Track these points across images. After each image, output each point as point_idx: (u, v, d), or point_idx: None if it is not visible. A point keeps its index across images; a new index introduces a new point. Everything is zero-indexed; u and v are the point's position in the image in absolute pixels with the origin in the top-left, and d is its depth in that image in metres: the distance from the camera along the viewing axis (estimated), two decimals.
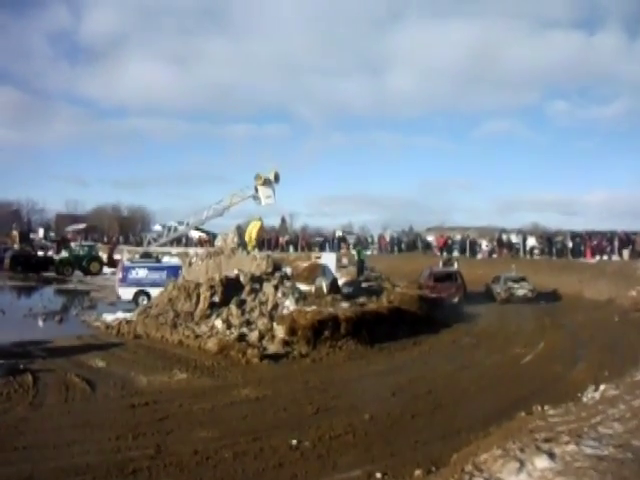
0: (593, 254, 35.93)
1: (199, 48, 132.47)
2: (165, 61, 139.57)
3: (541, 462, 5.63)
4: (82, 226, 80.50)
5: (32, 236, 61.22)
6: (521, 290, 27.34)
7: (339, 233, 54.17)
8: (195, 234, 54.31)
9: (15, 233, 53.97)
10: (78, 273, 37.83)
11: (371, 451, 8.42)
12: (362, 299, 20.27)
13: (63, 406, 10.61)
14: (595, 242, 37.44)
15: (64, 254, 40.64)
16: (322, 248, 45.78)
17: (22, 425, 9.39)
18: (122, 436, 8.88)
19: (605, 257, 35.06)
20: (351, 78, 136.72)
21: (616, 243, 35.57)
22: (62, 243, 49.65)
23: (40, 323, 19.28)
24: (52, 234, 70.98)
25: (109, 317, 19.69)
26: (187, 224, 44.89)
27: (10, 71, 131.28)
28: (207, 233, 53.01)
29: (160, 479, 7.49)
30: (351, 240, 50.37)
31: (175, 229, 45.43)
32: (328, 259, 26.69)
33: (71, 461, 7.90)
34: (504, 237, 44.34)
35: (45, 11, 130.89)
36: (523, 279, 28.28)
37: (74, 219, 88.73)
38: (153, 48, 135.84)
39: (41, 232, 68.95)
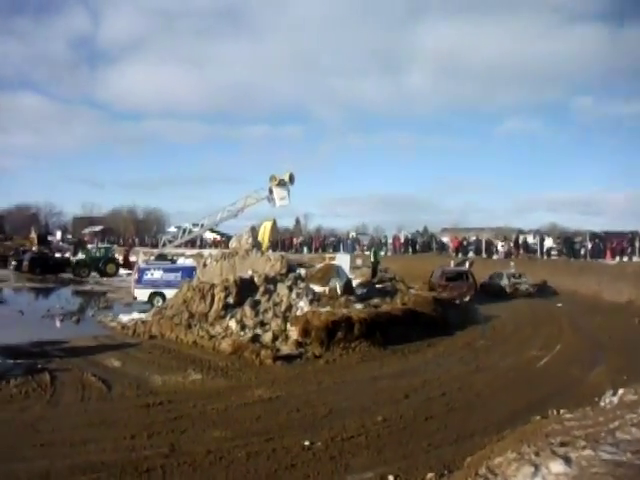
0: (613, 255, 35.37)
1: (216, 50, 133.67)
2: (182, 63, 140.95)
3: (556, 466, 5.56)
4: (99, 228, 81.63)
5: (50, 238, 61.93)
6: (524, 285, 29.09)
7: (353, 234, 54.12)
8: (209, 235, 54.47)
9: (33, 236, 54.65)
10: (94, 274, 38.34)
11: (383, 453, 8.36)
12: (376, 300, 20.20)
13: (79, 405, 10.71)
14: (615, 243, 36.89)
15: (81, 256, 41.12)
16: (336, 249, 45.76)
17: (39, 423, 9.48)
18: (137, 435, 8.94)
19: (625, 258, 34.54)
20: (369, 78, 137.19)
21: (637, 244, 35.02)
22: (79, 245, 50.12)
23: (57, 323, 19.61)
24: (69, 236, 72.09)
25: (125, 318, 19.86)
26: (202, 226, 44.93)
27: (30, 76, 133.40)
28: (221, 234, 53.11)
29: (173, 478, 7.51)
30: (365, 241, 50.24)
31: (190, 231, 45.52)
32: (342, 260, 26.62)
33: (87, 459, 7.96)
34: (521, 238, 43.97)
35: (64, 17, 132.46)
36: (522, 275, 30.04)
37: (91, 221, 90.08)
38: (170, 51, 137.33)
39: (59, 234, 69.98)
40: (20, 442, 8.57)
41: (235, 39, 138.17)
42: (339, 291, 19.74)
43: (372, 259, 30.63)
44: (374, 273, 27.65)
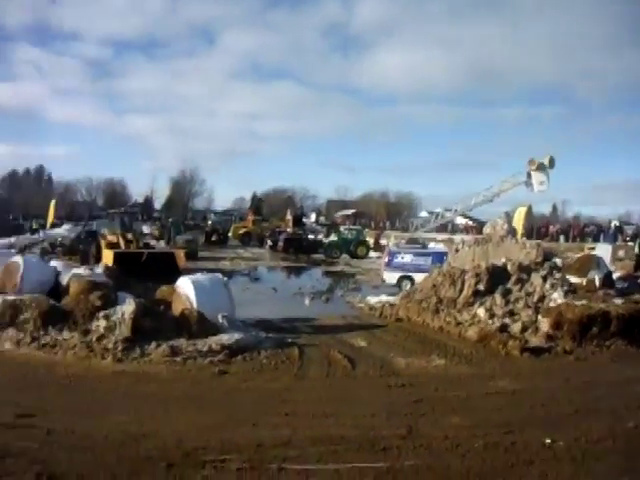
0: None
1: (468, 30, 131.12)
2: (434, 45, 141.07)
3: None
4: (351, 211, 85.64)
5: (304, 220, 66.29)
6: None
7: (615, 223, 50.24)
8: (461, 221, 54.38)
9: (289, 217, 58.62)
10: (345, 256, 40.06)
11: (631, 462, 7.75)
12: (638, 296, 18.70)
13: (324, 380, 11.38)
14: None
15: (333, 238, 43.42)
16: (596, 239, 42.96)
17: (286, 394, 10.24)
18: (376, 414, 9.26)
19: None
20: (636, 52, 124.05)
21: None
22: (332, 227, 53.09)
23: (307, 302, 21.02)
24: (323, 219, 76.68)
25: (372, 299, 20.52)
26: (455, 211, 45.03)
27: (289, 66, 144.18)
28: (473, 220, 52.70)
29: (409, 459, 7.60)
30: (629, 231, 46.45)
31: (442, 216, 45.99)
32: (602, 251, 25.14)
33: (327, 431, 8.42)
34: None
35: (319, 7, 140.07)
36: None
37: (344, 205, 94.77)
38: (422, 33, 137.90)
39: (313, 217, 74.99)
40: (267, 410, 9.31)
41: (488, 18, 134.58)
42: (597, 284, 18.71)
43: (636, 250, 28.43)
44: (637, 266, 25.65)
